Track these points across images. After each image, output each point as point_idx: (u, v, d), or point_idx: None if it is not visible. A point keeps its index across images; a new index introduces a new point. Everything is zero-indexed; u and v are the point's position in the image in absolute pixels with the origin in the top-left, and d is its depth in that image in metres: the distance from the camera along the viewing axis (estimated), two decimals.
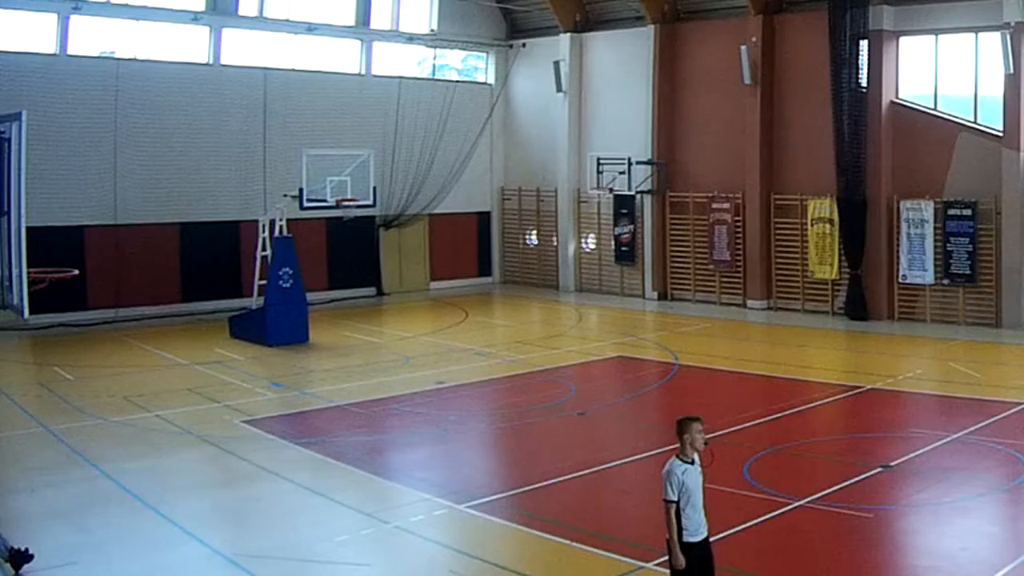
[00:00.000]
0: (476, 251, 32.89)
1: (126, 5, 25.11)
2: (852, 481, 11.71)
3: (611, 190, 28.99)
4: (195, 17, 26.18)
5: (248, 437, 14.45)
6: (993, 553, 9.72)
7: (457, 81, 32.35)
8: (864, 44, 23.56)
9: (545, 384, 18.00)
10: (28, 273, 10.13)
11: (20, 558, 9.27)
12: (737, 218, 26.75)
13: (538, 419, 15.58)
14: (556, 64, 30.38)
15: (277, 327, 21.63)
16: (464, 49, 32.59)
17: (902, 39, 24.04)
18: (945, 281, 23.18)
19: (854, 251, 24.20)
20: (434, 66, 31.96)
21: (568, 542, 10.10)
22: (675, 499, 7.44)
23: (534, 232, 32.26)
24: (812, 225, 25.13)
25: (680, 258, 28.44)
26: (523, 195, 32.39)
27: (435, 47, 31.72)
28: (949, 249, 23.01)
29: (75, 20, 24.48)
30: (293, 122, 27.62)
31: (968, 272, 22.80)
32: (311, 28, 28.33)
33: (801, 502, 11.02)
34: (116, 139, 24.92)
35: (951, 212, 22.96)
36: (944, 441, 13.43)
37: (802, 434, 13.76)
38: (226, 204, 26.66)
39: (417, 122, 30.13)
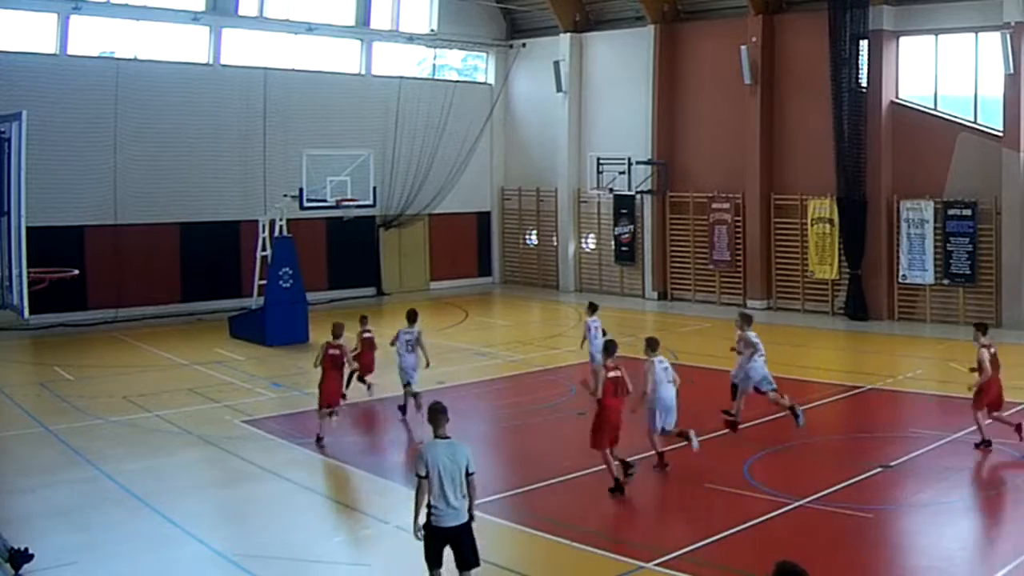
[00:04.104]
0: (476, 251, 32.90)
1: (126, 5, 25.13)
2: (852, 481, 11.70)
3: (611, 190, 28.97)
4: (195, 17, 26.18)
5: (248, 437, 14.45)
6: (993, 553, 9.73)
7: (457, 81, 32.34)
8: (864, 44, 23.57)
9: (545, 384, 17.99)
10: (28, 273, 10.13)
11: (20, 558, 9.27)
12: (737, 218, 26.74)
13: (538, 419, 15.59)
14: (556, 64, 30.37)
15: (277, 327, 21.63)
16: (464, 49, 32.58)
17: (902, 39, 24.04)
18: (945, 281, 23.18)
19: (854, 251, 24.20)
20: (434, 66, 31.96)
21: (568, 542, 10.10)
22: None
23: (534, 232, 32.25)
24: (812, 225, 25.13)
25: (680, 258, 28.43)
26: (523, 195, 32.38)
27: (435, 47, 31.72)
28: (949, 249, 23.01)
29: (75, 20, 24.50)
30: (293, 122, 27.60)
31: (968, 272, 22.80)
32: (311, 28, 28.33)
33: (801, 502, 11.01)
34: (116, 139, 24.92)
35: (951, 212, 22.96)
36: (944, 441, 13.43)
37: (802, 434, 13.74)
38: (226, 204, 26.66)
39: (417, 122, 30.12)
